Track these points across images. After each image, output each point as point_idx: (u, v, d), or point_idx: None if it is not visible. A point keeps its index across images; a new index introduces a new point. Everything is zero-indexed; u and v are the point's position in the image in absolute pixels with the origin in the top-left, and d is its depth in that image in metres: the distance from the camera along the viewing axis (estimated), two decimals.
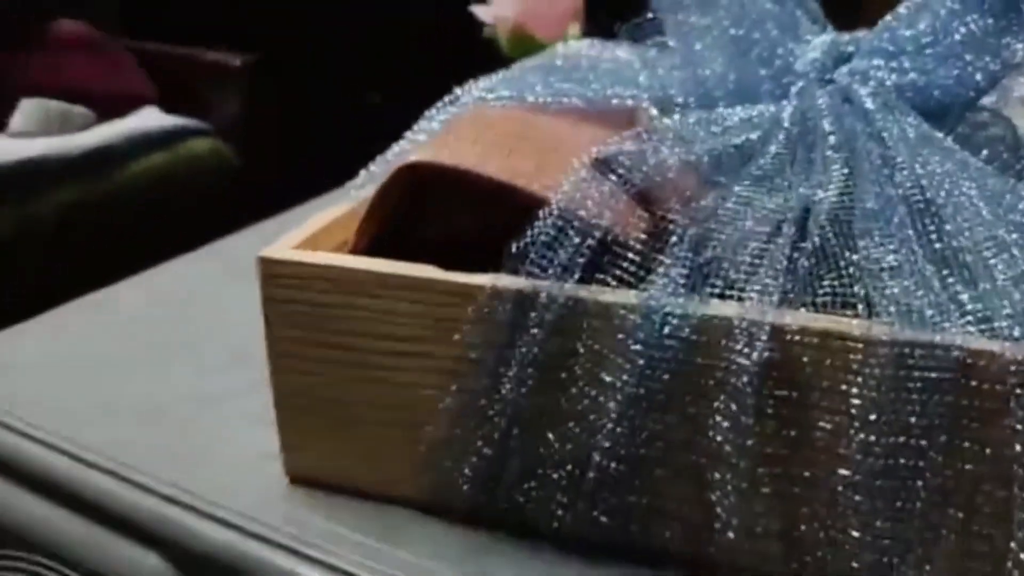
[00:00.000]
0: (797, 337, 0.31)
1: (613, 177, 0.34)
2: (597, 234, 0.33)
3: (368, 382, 0.37)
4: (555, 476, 0.35)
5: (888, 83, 0.40)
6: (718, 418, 0.32)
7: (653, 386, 0.32)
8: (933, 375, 0.29)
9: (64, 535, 0.44)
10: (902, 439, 0.30)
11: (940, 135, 0.39)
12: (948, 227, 0.34)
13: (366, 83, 1.73)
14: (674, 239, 0.33)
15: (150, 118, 1.12)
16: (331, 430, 0.39)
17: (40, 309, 0.57)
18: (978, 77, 0.41)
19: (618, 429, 0.33)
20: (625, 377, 0.32)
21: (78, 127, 1.02)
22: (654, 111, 0.45)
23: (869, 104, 0.39)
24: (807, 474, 0.32)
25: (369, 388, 0.37)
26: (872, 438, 0.30)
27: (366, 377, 0.37)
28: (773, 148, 0.37)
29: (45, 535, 0.44)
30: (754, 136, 0.38)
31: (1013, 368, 0.29)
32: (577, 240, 0.33)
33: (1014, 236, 0.33)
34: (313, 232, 0.38)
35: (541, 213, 0.33)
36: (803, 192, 0.36)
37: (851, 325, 0.31)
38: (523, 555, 0.37)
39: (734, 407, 0.32)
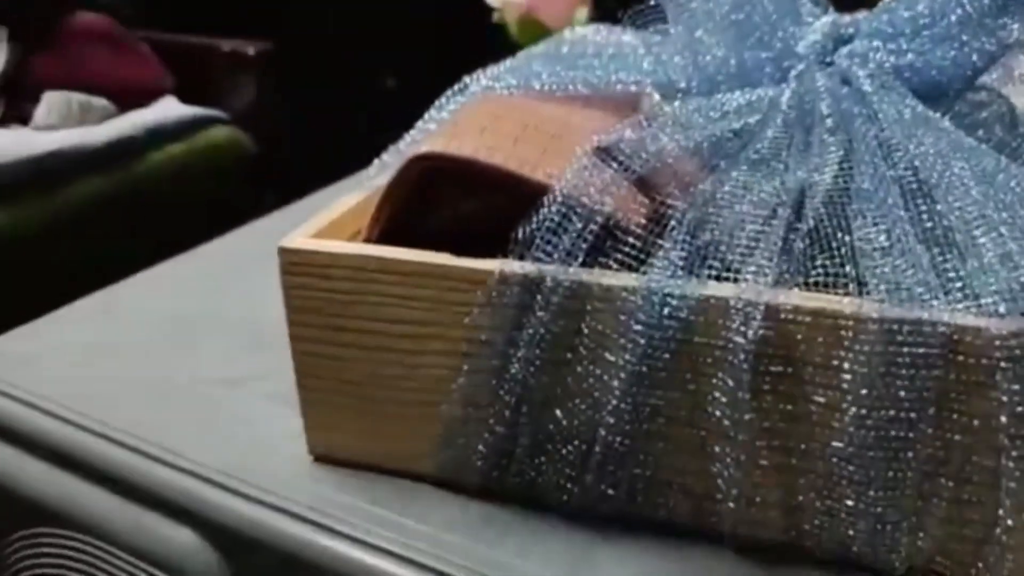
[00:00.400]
0: (791, 316, 0.32)
1: (614, 164, 0.35)
2: (599, 220, 0.35)
3: (384, 364, 0.39)
4: (563, 451, 0.37)
5: (887, 64, 0.41)
6: (716, 394, 0.34)
7: (654, 364, 0.34)
8: (921, 351, 0.31)
9: (99, 513, 0.46)
10: (893, 412, 0.32)
11: (936, 115, 0.40)
12: (940, 207, 0.35)
13: (380, 69, 1.74)
14: (673, 223, 0.34)
15: (169, 108, 1.14)
16: (351, 411, 0.41)
17: (65, 300, 0.59)
18: (975, 58, 0.42)
19: (622, 406, 0.34)
20: (627, 356, 0.34)
21: (99, 119, 1.04)
22: (656, 96, 0.47)
23: (867, 87, 0.40)
24: (803, 446, 0.34)
25: (385, 370, 0.39)
26: (864, 411, 0.32)
27: (382, 360, 0.39)
28: (771, 132, 0.38)
29: (81, 513, 0.46)
30: (752, 120, 0.39)
31: (998, 343, 0.30)
32: (580, 226, 0.35)
33: (1003, 215, 0.34)
34: (329, 221, 0.40)
35: (546, 200, 0.35)
36: (799, 175, 0.37)
37: (842, 304, 0.32)
38: (534, 526, 0.39)
39: (731, 383, 0.33)
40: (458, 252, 0.36)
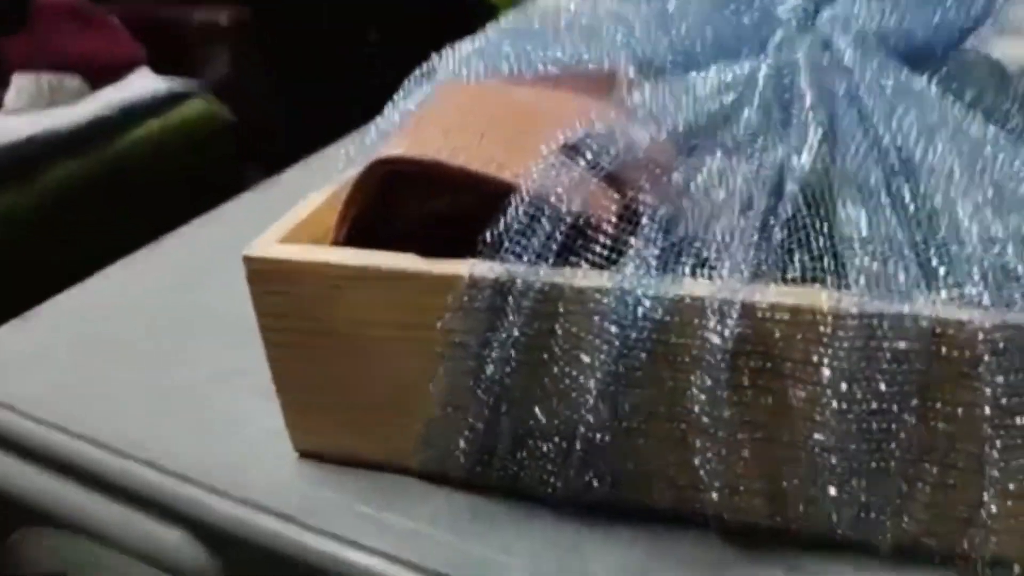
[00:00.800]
0: (768, 314, 0.31)
1: (582, 161, 0.34)
2: (569, 219, 0.34)
3: (358, 366, 0.38)
4: (544, 448, 0.36)
5: (870, 28, 0.40)
6: (695, 391, 0.33)
7: (631, 364, 0.33)
8: (902, 345, 0.30)
9: (91, 514, 0.46)
10: (875, 405, 0.31)
11: (920, 85, 0.38)
12: (923, 187, 0.33)
13: (362, 22, 1.68)
14: (645, 220, 0.33)
15: (143, 83, 1.10)
16: (330, 409, 0.41)
17: (49, 287, 0.59)
18: (960, 19, 0.40)
19: (599, 404, 0.34)
20: (603, 357, 0.33)
21: (72, 97, 1.01)
22: (631, 72, 0.45)
23: (848, 57, 0.38)
24: (785, 438, 0.33)
25: (360, 372, 0.39)
26: (845, 406, 0.31)
27: (356, 363, 0.38)
28: (747, 113, 0.36)
29: (72, 514, 0.47)
30: (728, 100, 0.37)
31: (982, 336, 0.29)
32: (549, 226, 0.33)
33: (989, 193, 0.33)
34: (296, 223, 0.39)
35: (512, 201, 0.34)
36: (779, 155, 0.36)
37: (820, 299, 0.31)
38: (521, 518, 0.39)
39: (709, 382, 0.32)
40: (429, 251, 0.35)
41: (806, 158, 0.34)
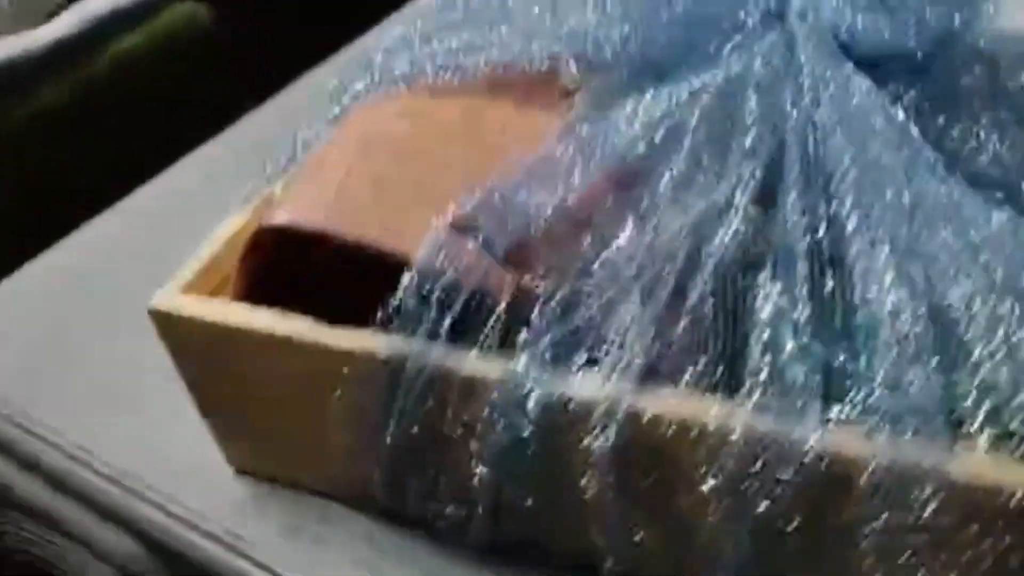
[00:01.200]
0: (653, 423, 0.30)
1: (472, 241, 0.31)
2: (461, 297, 0.32)
3: (270, 410, 0.38)
4: (448, 509, 0.37)
5: (843, 24, 0.36)
6: (584, 481, 0.32)
7: (519, 454, 0.32)
8: (787, 473, 0.29)
9: (62, 517, 0.48)
10: (758, 514, 0.30)
11: (882, 103, 0.35)
12: (849, 272, 0.31)
13: None
14: (541, 303, 0.31)
15: None
16: (254, 441, 0.41)
17: (36, 225, 0.56)
18: (932, 22, 0.36)
19: (489, 487, 0.33)
20: (491, 447, 0.32)
21: (46, 14, 0.96)
22: (574, 69, 0.41)
23: (807, 72, 0.35)
24: (678, 527, 0.33)
25: (273, 414, 0.39)
26: (730, 516, 0.30)
27: (266, 405, 0.38)
28: (681, 155, 0.33)
29: (47, 512, 0.48)
30: (659, 136, 0.34)
31: (869, 470, 0.28)
32: (440, 304, 0.32)
33: (919, 288, 0.30)
34: (200, 268, 0.37)
35: (403, 278, 0.32)
36: (701, 213, 0.33)
37: (708, 413, 0.29)
38: (438, 551, 0.39)
39: (598, 477, 0.32)
40: (336, 307, 0.34)
41: (723, 241, 0.31)
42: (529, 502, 0.34)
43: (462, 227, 0.31)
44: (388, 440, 0.35)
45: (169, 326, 0.37)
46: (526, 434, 0.32)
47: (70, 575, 0.51)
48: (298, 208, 0.34)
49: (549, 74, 0.41)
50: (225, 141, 0.66)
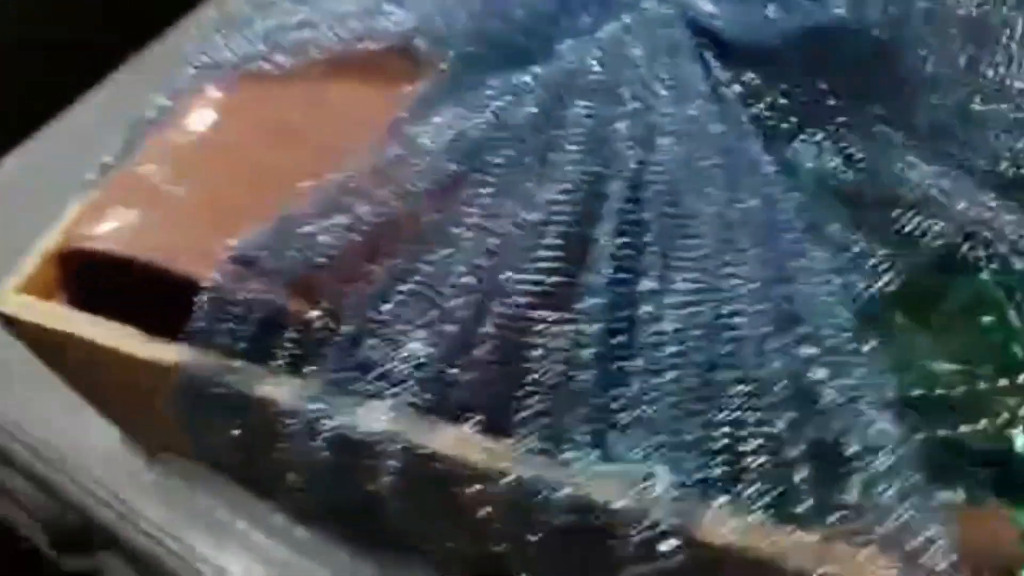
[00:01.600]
0: (431, 458, 0.30)
1: (254, 273, 0.31)
2: (250, 323, 0.31)
3: (129, 407, 0.39)
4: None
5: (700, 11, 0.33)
6: (387, 501, 0.32)
7: (320, 473, 0.33)
8: (545, 515, 0.28)
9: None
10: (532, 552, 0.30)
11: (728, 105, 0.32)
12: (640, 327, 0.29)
13: None
14: (325, 337, 0.31)
15: None
16: (155, 434, 0.42)
17: None
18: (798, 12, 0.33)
19: (313, 501, 0.34)
20: (296, 463, 0.33)
21: None
22: (424, 47, 0.39)
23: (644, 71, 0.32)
24: (477, 538, 0.33)
25: (133, 411, 0.39)
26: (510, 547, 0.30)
27: (126, 403, 0.39)
28: (484, 186, 0.31)
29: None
30: (469, 154, 0.32)
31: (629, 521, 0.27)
32: (230, 331, 0.32)
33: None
34: (36, 266, 0.37)
35: (197, 300, 0.32)
36: (509, 230, 0.31)
37: (475, 453, 0.29)
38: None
39: (396, 500, 0.32)
40: (154, 318, 0.34)
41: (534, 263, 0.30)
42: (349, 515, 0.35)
43: (242, 260, 0.31)
44: (207, 448, 0.35)
45: (10, 325, 0.37)
46: (323, 452, 0.32)
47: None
48: (92, 230, 0.33)
49: (398, 57, 0.38)
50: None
